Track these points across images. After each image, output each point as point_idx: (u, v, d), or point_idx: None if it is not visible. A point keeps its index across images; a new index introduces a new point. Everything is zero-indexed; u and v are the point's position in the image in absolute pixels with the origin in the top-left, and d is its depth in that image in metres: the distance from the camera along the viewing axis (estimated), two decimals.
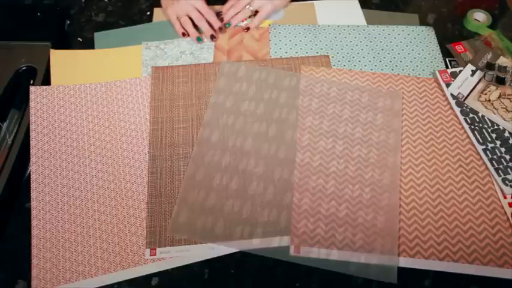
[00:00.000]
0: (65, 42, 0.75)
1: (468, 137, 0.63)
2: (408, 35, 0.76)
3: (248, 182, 0.59)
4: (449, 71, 0.69)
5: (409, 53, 0.73)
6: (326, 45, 0.74)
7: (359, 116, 0.64)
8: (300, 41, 0.75)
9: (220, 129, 0.63)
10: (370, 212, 0.57)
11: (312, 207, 0.57)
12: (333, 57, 0.72)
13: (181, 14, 0.73)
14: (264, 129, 0.63)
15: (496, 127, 0.64)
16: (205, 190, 0.58)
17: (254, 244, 0.55)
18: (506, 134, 0.63)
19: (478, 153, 0.62)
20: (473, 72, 0.68)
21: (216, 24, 0.74)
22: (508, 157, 0.61)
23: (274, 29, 0.76)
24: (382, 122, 0.64)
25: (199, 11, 0.73)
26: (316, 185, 0.59)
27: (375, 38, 0.75)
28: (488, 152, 0.61)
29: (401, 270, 0.54)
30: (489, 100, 0.66)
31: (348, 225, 0.56)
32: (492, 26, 0.77)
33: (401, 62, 0.72)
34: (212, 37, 0.73)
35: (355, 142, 0.62)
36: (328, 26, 0.77)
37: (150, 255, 0.54)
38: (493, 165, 0.60)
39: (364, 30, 0.76)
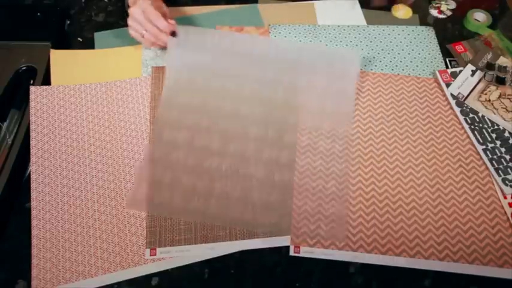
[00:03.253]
0: (65, 42, 0.75)
1: (468, 137, 0.63)
2: (408, 35, 0.76)
3: (205, 158, 0.60)
4: (449, 71, 0.69)
5: (409, 53, 0.73)
6: (326, 45, 0.74)
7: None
8: (300, 41, 0.75)
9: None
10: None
11: (313, 207, 0.57)
12: None
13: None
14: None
15: (496, 127, 0.64)
16: (164, 165, 0.59)
17: (254, 244, 0.55)
18: (506, 134, 0.63)
19: (478, 153, 0.62)
20: (473, 72, 0.68)
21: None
22: (508, 157, 0.61)
23: (274, 29, 0.76)
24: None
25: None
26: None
27: (375, 38, 0.75)
28: (488, 152, 0.61)
29: (402, 270, 0.54)
30: (489, 100, 0.66)
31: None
32: (492, 26, 0.77)
33: (401, 62, 0.72)
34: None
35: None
36: (328, 26, 0.77)
37: (150, 255, 0.54)
38: (493, 165, 0.60)
39: (364, 30, 0.76)
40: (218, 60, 0.67)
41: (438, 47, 0.74)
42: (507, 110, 0.65)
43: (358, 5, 0.80)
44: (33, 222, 0.56)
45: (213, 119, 0.63)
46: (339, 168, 0.60)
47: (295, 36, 0.75)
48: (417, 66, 0.72)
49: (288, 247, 0.55)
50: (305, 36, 0.75)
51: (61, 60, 0.70)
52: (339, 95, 0.64)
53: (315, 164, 0.60)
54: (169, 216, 0.57)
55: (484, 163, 0.61)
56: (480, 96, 0.66)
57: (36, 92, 0.65)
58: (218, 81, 0.66)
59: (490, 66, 0.69)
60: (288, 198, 0.58)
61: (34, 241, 0.55)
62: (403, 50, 0.74)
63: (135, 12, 0.65)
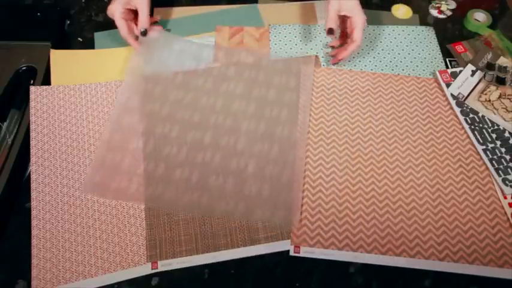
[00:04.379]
0: (65, 42, 0.75)
1: (468, 137, 0.63)
2: (408, 35, 0.76)
3: (162, 146, 0.61)
4: (449, 71, 0.69)
5: (409, 53, 0.73)
6: (326, 45, 0.74)
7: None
8: (300, 41, 0.75)
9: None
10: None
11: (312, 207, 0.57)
12: None
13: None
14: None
15: (496, 127, 0.64)
16: (122, 152, 0.60)
17: (256, 250, 0.55)
18: (507, 134, 0.63)
19: (478, 154, 0.62)
20: (473, 73, 0.68)
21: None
22: (508, 157, 0.61)
23: (275, 29, 0.76)
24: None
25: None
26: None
27: (375, 38, 0.75)
28: (488, 152, 0.61)
29: (402, 270, 0.54)
30: (489, 100, 0.66)
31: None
32: (492, 26, 0.77)
33: (401, 62, 0.72)
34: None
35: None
36: None
37: (152, 268, 0.54)
38: (493, 165, 0.60)
39: (364, 30, 0.76)
40: (183, 62, 0.68)
41: (438, 47, 0.74)
42: (507, 110, 0.65)
43: None
44: (33, 222, 0.56)
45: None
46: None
47: (295, 37, 0.75)
48: (417, 66, 0.72)
49: None
50: (305, 36, 0.75)
51: (61, 60, 0.70)
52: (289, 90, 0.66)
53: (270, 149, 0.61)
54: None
55: (484, 163, 0.61)
56: (480, 97, 0.66)
57: (36, 92, 0.65)
58: (180, 76, 0.67)
59: (490, 66, 0.69)
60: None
61: (34, 241, 0.55)
62: (403, 50, 0.74)
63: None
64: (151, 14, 0.79)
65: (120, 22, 0.66)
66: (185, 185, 0.58)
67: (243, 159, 0.60)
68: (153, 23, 0.72)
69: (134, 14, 0.68)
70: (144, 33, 0.67)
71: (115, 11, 0.65)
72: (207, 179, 0.58)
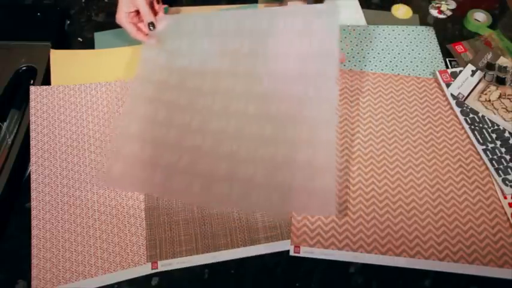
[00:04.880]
0: (65, 42, 0.75)
1: (468, 137, 0.63)
2: (408, 35, 0.76)
3: (184, 134, 0.59)
4: (449, 71, 0.69)
5: (409, 53, 0.73)
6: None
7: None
8: None
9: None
10: None
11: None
12: None
13: None
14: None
15: (496, 127, 0.64)
16: (141, 142, 0.59)
17: (256, 250, 0.55)
18: (507, 134, 0.63)
19: (478, 154, 0.62)
20: (473, 73, 0.68)
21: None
22: (508, 157, 0.61)
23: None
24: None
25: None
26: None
27: (375, 38, 0.75)
28: (488, 152, 0.61)
29: (402, 270, 0.54)
30: (489, 100, 0.66)
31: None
32: (492, 26, 0.77)
33: (401, 62, 0.72)
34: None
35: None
36: None
37: (152, 268, 0.54)
38: (493, 165, 0.60)
39: (364, 30, 0.76)
40: (195, 43, 0.66)
41: (438, 47, 0.74)
42: (507, 110, 0.65)
43: (358, 5, 0.80)
44: (33, 222, 0.56)
45: (193, 97, 0.62)
46: (327, 138, 0.57)
47: None
48: (417, 66, 0.72)
49: None
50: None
51: (61, 60, 0.70)
52: (321, 58, 0.60)
53: (302, 135, 0.58)
54: (152, 194, 0.57)
55: (484, 163, 0.61)
56: (480, 97, 0.66)
57: (36, 92, 0.65)
58: (196, 62, 0.65)
59: (490, 66, 0.69)
60: (274, 172, 0.56)
61: (34, 241, 0.55)
62: (403, 50, 0.74)
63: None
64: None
65: (128, 26, 0.66)
66: (212, 177, 0.56)
67: (273, 148, 0.57)
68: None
69: (139, 15, 0.68)
70: (152, 25, 0.66)
71: (121, 18, 0.66)
72: (236, 170, 0.56)
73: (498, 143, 0.62)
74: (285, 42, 0.62)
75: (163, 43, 0.67)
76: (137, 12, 0.67)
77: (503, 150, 0.62)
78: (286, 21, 0.62)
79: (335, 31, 0.59)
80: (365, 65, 0.72)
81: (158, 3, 0.69)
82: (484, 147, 0.62)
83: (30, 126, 0.62)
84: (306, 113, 0.58)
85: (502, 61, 0.69)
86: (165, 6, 0.69)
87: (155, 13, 0.67)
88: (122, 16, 0.66)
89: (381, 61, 0.72)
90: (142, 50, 0.67)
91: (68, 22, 0.78)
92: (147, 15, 0.65)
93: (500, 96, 0.66)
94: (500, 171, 0.60)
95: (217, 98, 0.61)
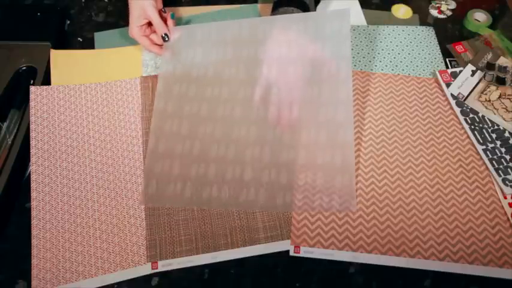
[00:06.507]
0: (65, 42, 0.75)
1: (468, 137, 0.63)
2: (408, 35, 0.76)
3: (208, 146, 0.61)
4: (449, 71, 0.69)
5: (409, 53, 0.73)
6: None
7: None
8: None
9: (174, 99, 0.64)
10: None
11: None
12: None
13: None
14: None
15: (496, 127, 0.64)
16: (170, 158, 0.60)
17: (256, 250, 0.55)
18: (507, 134, 0.63)
19: (478, 154, 0.62)
20: (473, 73, 0.68)
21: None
22: (508, 157, 0.61)
23: None
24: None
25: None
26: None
27: (375, 38, 0.75)
28: (488, 152, 0.61)
29: (402, 270, 0.54)
30: (489, 100, 0.66)
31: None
32: (492, 26, 0.77)
33: (401, 62, 0.72)
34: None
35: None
36: None
37: (152, 268, 0.54)
38: (493, 165, 0.60)
39: (364, 30, 0.76)
40: (209, 52, 0.67)
41: (438, 47, 0.74)
42: (507, 110, 0.65)
43: (358, 5, 0.80)
44: (33, 222, 0.56)
45: (213, 106, 0.63)
46: (344, 139, 0.59)
47: None
48: (417, 66, 0.72)
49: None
50: None
51: (61, 60, 0.70)
52: (335, 61, 0.62)
53: (318, 136, 0.60)
54: (183, 207, 0.58)
55: (484, 163, 0.61)
56: (480, 97, 0.66)
57: (36, 92, 0.65)
58: (212, 71, 0.66)
59: (490, 66, 0.69)
60: (295, 175, 0.58)
61: (34, 241, 0.55)
62: (403, 50, 0.74)
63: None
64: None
65: (141, 40, 0.67)
66: (241, 183, 0.58)
67: (292, 152, 0.59)
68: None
69: (151, 27, 0.69)
70: (166, 37, 0.67)
71: (134, 33, 0.67)
72: (260, 174, 0.58)
73: (498, 143, 0.62)
74: (299, 48, 0.63)
75: (178, 55, 0.68)
76: (149, 23, 0.68)
77: (503, 150, 0.62)
78: (299, 27, 0.63)
79: (347, 34, 0.62)
80: (365, 65, 0.72)
81: (164, 12, 0.70)
82: (484, 147, 0.62)
83: (30, 126, 0.62)
84: (322, 116, 0.60)
85: (502, 61, 0.69)
86: (171, 12, 0.69)
87: (164, 21, 0.68)
88: (135, 31, 0.67)
89: (380, 61, 0.72)
90: (160, 65, 0.68)
91: (68, 22, 0.79)
92: (160, 27, 0.66)
93: (500, 96, 0.66)
94: (500, 171, 0.60)
95: (236, 106, 0.63)
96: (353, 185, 0.57)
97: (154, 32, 0.68)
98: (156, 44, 0.69)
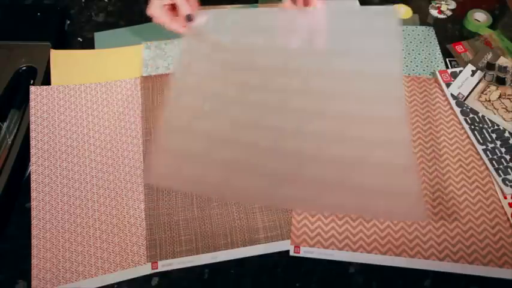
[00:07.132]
0: (65, 42, 0.75)
1: (468, 137, 0.63)
2: (408, 35, 0.76)
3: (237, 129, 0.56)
4: (449, 71, 0.69)
5: (409, 53, 0.73)
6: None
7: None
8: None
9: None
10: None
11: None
12: None
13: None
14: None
15: (496, 127, 0.64)
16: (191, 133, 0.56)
17: (256, 250, 0.55)
18: (507, 134, 0.63)
19: (478, 154, 0.62)
20: (473, 73, 0.68)
21: None
22: (508, 157, 0.61)
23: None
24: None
25: None
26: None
27: None
28: (488, 152, 0.61)
29: (402, 270, 0.54)
30: (489, 100, 0.66)
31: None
32: (492, 26, 0.77)
33: None
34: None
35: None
36: None
37: (152, 268, 0.54)
38: (493, 165, 0.60)
39: None
40: (240, 38, 0.63)
41: (438, 47, 0.74)
42: (507, 110, 0.65)
43: (358, 5, 0.80)
44: (33, 222, 0.56)
45: (241, 91, 0.59)
46: (397, 137, 0.54)
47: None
48: (417, 66, 0.72)
49: None
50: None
51: (61, 60, 0.70)
52: (386, 58, 0.59)
53: (375, 134, 0.55)
54: (200, 192, 0.54)
55: (484, 163, 0.61)
56: (480, 97, 0.66)
57: (36, 92, 0.65)
58: (241, 56, 0.62)
59: (490, 66, 0.69)
60: (346, 174, 0.53)
61: (34, 241, 0.55)
62: (403, 50, 0.74)
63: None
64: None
65: (162, 15, 0.61)
66: (276, 176, 0.53)
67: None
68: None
69: (174, 10, 0.63)
70: (189, 17, 0.61)
71: (154, 9, 0.61)
72: (303, 170, 0.53)
73: (498, 143, 0.62)
74: (343, 41, 0.60)
75: (203, 36, 0.63)
76: (172, 6, 0.62)
77: (503, 150, 0.62)
78: (343, 21, 0.61)
79: (399, 31, 0.59)
80: None
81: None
82: (484, 147, 0.62)
83: (30, 126, 0.62)
84: (376, 113, 0.56)
85: (502, 61, 0.69)
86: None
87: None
88: (156, 7, 0.61)
89: None
90: (182, 41, 0.64)
91: (68, 22, 0.79)
92: (184, 6, 0.61)
93: (500, 96, 0.66)
94: (500, 171, 0.60)
95: (271, 94, 0.58)
96: (418, 188, 0.51)
97: (177, 15, 0.62)
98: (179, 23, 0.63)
